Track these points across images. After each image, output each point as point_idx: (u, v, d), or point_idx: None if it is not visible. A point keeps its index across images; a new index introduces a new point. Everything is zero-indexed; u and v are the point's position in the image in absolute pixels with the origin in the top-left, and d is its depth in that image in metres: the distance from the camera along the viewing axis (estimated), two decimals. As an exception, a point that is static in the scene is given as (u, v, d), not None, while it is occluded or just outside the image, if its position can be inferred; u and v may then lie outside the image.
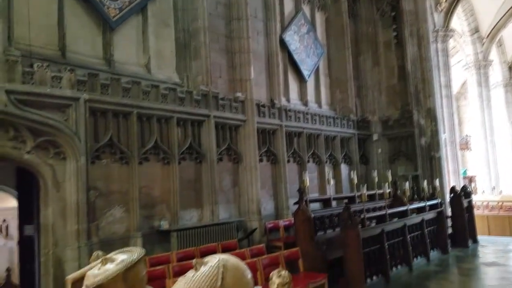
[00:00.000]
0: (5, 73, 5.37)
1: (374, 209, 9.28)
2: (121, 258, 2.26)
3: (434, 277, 7.44)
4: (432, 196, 9.92)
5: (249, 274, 2.03)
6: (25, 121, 5.53)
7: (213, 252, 6.68)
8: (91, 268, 2.30)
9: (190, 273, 1.95)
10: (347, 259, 6.70)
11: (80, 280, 2.26)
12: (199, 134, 7.95)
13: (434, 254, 8.79)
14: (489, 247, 9.82)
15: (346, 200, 10.20)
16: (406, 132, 12.21)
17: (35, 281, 6.04)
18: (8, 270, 7.24)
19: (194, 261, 2.02)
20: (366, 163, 12.55)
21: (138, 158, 6.84)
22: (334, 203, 9.37)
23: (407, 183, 9.01)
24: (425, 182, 9.73)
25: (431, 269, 8.00)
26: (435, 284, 6.93)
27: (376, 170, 10.20)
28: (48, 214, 5.93)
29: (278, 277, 1.92)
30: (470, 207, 10.67)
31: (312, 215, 7.43)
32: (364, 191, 7.61)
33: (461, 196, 10.17)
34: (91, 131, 6.30)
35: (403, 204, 9.34)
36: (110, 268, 2.15)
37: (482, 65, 19.91)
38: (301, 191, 7.52)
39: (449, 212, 10.34)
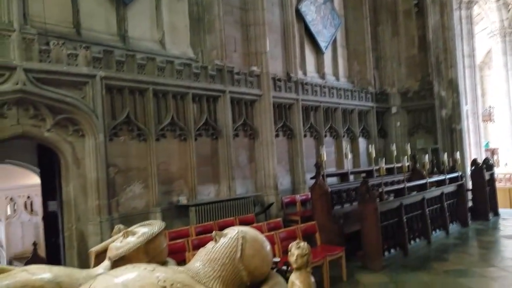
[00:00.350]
0: (23, 51, 5.40)
1: (392, 183, 9.21)
2: (142, 231, 2.30)
3: (453, 250, 7.37)
4: (452, 169, 9.74)
5: (268, 246, 2.04)
6: (44, 99, 5.60)
7: (230, 226, 6.76)
8: (113, 241, 2.35)
9: (210, 245, 1.98)
10: (365, 232, 6.69)
11: (103, 253, 2.33)
12: (215, 110, 7.93)
13: (453, 227, 8.71)
14: (510, 220, 9.64)
15: (363, 174, 10.12)
16: (426, 104, 11.92)
17: (61, 254, 6.27)
18: (35, 244, 7.53)
19: (213, 233, 2.05)
20: (384, 137, 12.36)
21: (155, 135, 6.88)
22: (351, 177, 9.30)
23: (426, 156, 8.85)
24: (445, 155, 9.53)
25: (450, 242, 7.93)
26: (454, 256, 6.87)
27: (394, 144, 10.02)
28: (69, 191, 6.08)
29: (297, 248, 1.94)
30: (492, 180, 10.46)
31: (329, 190, 7.41)
32: (383, 165, 7.50)
33: (483, 168, 9.96)
34: (108, 109, 6.35)
35: (422, 178, 9.22)
36: (132, 240, 2.20)
37: (507, 33, 19.06)
38: (318, 165, 7.47)
39: (469, 185, 10.16)
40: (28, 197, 10.28)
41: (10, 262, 9.69)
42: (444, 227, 8.49)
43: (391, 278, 5.88)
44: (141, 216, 6.58)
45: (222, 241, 1.93)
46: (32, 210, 10.33)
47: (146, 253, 2.13)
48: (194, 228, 6.42)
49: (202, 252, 1.93)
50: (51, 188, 6.54)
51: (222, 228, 6.66)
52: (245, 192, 8.32)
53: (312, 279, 1.92)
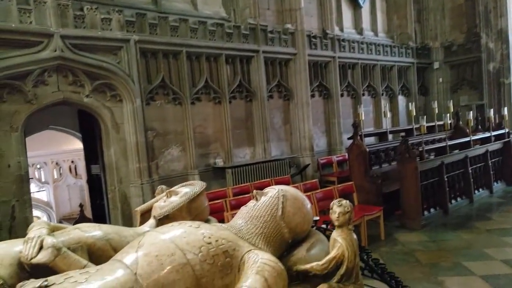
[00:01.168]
0: (58, 18, 5.45)
1: (433, 142, 8.91)
2: (184, 191, 2.36)
3: (497, 209, 7.14)
4: (499, 126, 9.26)
5: (308, 204, 2.02)
6: (81, 65, 5.69)
7: (266, 187, 6.82)
8: (157, 201, 2.42)
9: (251, 203, 1.98)
10: (404, 192, 6.58)
11: (148, 212, 2.42)
12: (248, 71, 7.81)
13: (497, 186, 8.42)
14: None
15: (402, 134, 9.83)
16: (471, 58, 11.23)
17: (106, 215, 6.58)
18: (81, 205, 7.94)
19: (254, 191, 2.04)
20: (425, 94, 11.84)
21: (190, 98, 6.90)
22: (390, 136, 9.05)
23: (470, 113, 8.41)
24: (492, 111, 9.03)
25: (493, 201, 7.69)
26: (498, 215, 6.66)
27: (436, 101, 9.57)
28: (111, 154, 6.28)
29: (338, 206, 1.90)
30: (543, 136, 9.87)
31: (367, 149, 7.26)
32: (424, 123, 7.21)
33: (533, 125, 9.40)
34: (144, 73, 6.38)
35: (465, 135, 8.86)
36: (175, 200, 2.26)
37: None
38: (356, 125, 7.28)
39: (517, 142, 9.64)
40: (72, 161, 10.78)
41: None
42: (488, 186, 8.22)
43: (431, 236, 5.80)
44: (180, 178, 6.76)
45: (263, 199, 1.93)
46: (76, 173, 10.85)
47: (189, 211, 2.19)
48: (231, 189, 6.53)
49: (243, 210, 1.94)
50: (93, 152, 6.79)
51: (258, 189, 6.81)
52: (280, 154, 8.30)
53: (354, 236, 1.89)
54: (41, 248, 1.65)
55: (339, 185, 6.40)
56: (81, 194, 10.46)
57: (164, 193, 2.47)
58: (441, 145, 7.74)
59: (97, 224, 2.10)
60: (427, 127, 9.87)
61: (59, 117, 7.17)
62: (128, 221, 6.31)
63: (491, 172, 8.26)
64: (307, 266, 1.81)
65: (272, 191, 1.97)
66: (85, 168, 7.63)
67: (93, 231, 1.99)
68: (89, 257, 1.86)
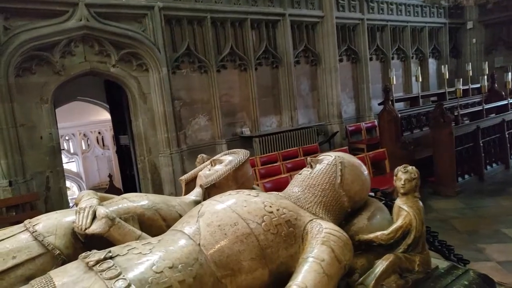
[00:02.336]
0: (80, -14, 5.33)
1: (467, 106, 8.58)
2: (228, 159, 2.28)
3: (534, 175, 6.92)
4: (537, 88, 8.80)
5: (365, 171, 1.91)
6: (107, 34, 5.60)
7: (294, 156, 6.74)
8: (200, 170, 2.36)
9: (305, 171, 1.87)
10: (438, 158, 6.40)
11: (192, 181, 2.34)
12: (274, 36, 7.56)
13: (535, 152, 8.07)
14: None
15: (433, 98, 9.49)
16: (508, 16, 10.57)
17: (136, 185, 6.65)
18: (110, 176, 8.05)
19: (309, 159, 1.92)
20: (456, 57, 11.32)
21: (216, 66, 6.76)
22: (421, 101, 8.74)
23: (509, 75, 7.98)
24: (532, 73, 8.55)
25: (529, 167, 7.43)
26: None
27: (470, 63, 9.12)
28: (139, 125, 6.27)
29: (404, 172, 1.78)
30: None
31: (399, 115, 7.03)
32: (459, 86, 6.90)
33: None
34: (169, 41, 6.25)
35: (502, 98, 8.49)
36: (220, 168, 2.17)
37: None
38: (387, 90, 7.01)
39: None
40: (99, 132, 10.89)
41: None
42: (525, 152, 7.91)
43: (467, 203, 5.65)
44: (208, 148, 6.74)
45: (319, 167, 1.81)
46: (103, 144, 11.00)
47: (235, 180, 2.11)
48: (259, 158, 6.47)
49: (298, 179, 1.84)
50: (121, 123, 6.80)
51: (286, 158, 6.75)
52: (308, 122, 8.14)
53: (420, 204, 1.77)
54: (94, 218, 1.61)
55: (370, 152, 6.25)
56: (109, 165, 10.63)
57: (208, 162, 2.41)
58: (477, 109, 7.43)
59: (144, 194, 2.06)
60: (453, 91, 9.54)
61: (86, 88, 7.18)
62: (158, 191, 6.37)
63: (529, 137, 7.95)
64: (371, 235, 1.71)
65: (329, 158, 1.86)
66: (113, 139, 7.68)
67: (140, 201, 1.93)
68: (140, 227, 1.83)
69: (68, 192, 6.58)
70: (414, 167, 1.79)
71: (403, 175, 1.76)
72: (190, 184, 2.35)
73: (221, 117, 6.88)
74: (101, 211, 1.61)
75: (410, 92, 9.82)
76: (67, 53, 5.45)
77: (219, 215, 1.49)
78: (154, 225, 1.87)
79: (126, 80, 6.03)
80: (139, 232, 1.65)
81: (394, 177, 1.81)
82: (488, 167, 7.07)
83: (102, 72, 5.85)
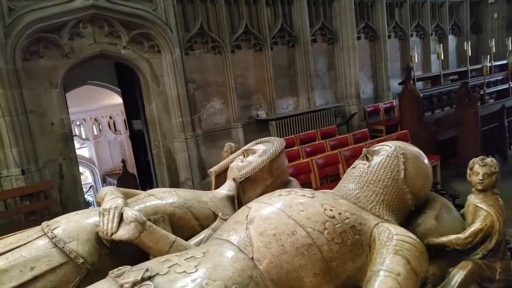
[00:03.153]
0: (87, -37, 5.03)
1: (489, 84, 8.23)
2: (262, 148, 2.04)
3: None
4: None
5: (426, 159, 1.66)
6: (116, 14, 5.32)
7: (312, 139, 6.51)
8: (231, 161, 2.13)
9: (361, 164, 1.59)
10: (462, 139, 6.15)
11: (223, 173, 2.14)
12: (290, 13, 7.20)
13: (559, 131, 7.76)
14: None
15: (452, 77, 9.12)
16: (532, -11, 10.06)
17: (151, 170, 6.48)
18: (123, 161, 7.89)
19: (364, 150, 1.65)
20: (477, 33, 10.85)
21: (230, 46, 6.46)
22: (442, 80, 8.39)
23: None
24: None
25: (552, 146, 7.15)
26: None
27: (493, 39, 8.70)
28: (152, 109, 6.05)
29: (482, 166, 1.53)
30: None
31: (421, 95, 6.73)
32: (486, 63, 6.57)
33: None
34: (181, 20, 5.96)
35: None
36: (255, 160, 1.96)
37: None
38: (409, 68, 6.68)
39: None
40: (110, 117, 10.70)
41: (103, 178, 10.52)
42: (548, 131, 7.61)
43: (495, 186, 5.39)
44: (224, 132, 6.53)
45: (378, 159, 1.57)
46: (115, 129, 10.82)
47: (270, 172, 1.90)
48: (277, 142, 6.24)
49: (353, 174, 1.60)
50: (133, 107, 6.58)
51: (303, 141, 6.51)
52: (325, 103, 7.85)
53: (501, 202, 1.53)
54: (120, 221, 1.41)
55: (392, 134, 6.01)
56: (121, 150, 10.47)
57: (238, 152, 2.18)
58: (503, 87, 7.11)
59: (172, 189, 1.86)
60: (477, 69, 9.17)
61: (97, 72, 6.93)
62: (174, 176, 6.20)
63: (553, 116, 7.64)
64: (444, 239, 1.48)
65: (387, 148, 1.61)
66: (126, 124, 7.49)
67: (169, 198, 1.74)
68: (171, 228, 1.62)
69: (81, 178, 6.43)
70: (493, 158, 1.54)
71: (481, 168, 1.51)
72: (220, 177, 2.13)
73: (236, 99, 6.63)
74: (129, 213, 1.39)
75: (429, 71, 9.44)
76: (76, 34, 5.19)
77: (273, 222, 1.25)
78: (186, 225, 1.68)
79: (138, 63, 5.78)
80: (173, 236, 1.43)
81: (469, 171, 1.56)
82: (512, 148, 6.85)
83: (113, 54, 5.59)
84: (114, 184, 8.51)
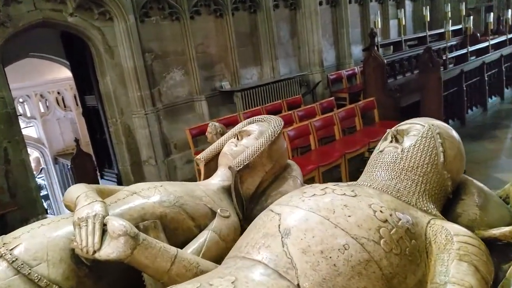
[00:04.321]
0: None
1: (445, 49, 8.39)
2: (257, 129, 1.76)
3: (509, 115, 7.03)
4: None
5: (459, 137, 1.47)
6: (59, -24, 4.72)
7: (278, 110, 6.33)
8: (221, 145, 1.85)
9: (391, 148, 1.32)
10: (425, 104, 6.25)
11: (213, 159, 1.83)
12: (250, -23, 6.82)
13: (508, 92, 8.19)
14: None
15: (411, 43, 9.21)
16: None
17: (109, 150, 6.04)
18: (77, 140, 7.31)
19: (392, 130, 1.37)
20: (431, -2, 10.98)
21: (189, 12, 6.01)
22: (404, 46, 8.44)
23: (491, 15, 7.78)
24: (510, 12, 8.40)
25: (504, 108, 7.53)
26: (508, 121, 6.60)
27: (449, 4, 8.80)
28: (107, 83, 5.55)
29: None
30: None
31: (385, 61, 6.71)
32: (449, 28, 6.61)
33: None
34: (134, -17, 5.42)
35: (478, 40, 8.37)
36: (252, 143, 1.67)
37: None
38: (373, 34, 6.61)
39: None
40: (59, 92, 9.84)
41: (55, 159, 9.78)
42: (500, 93, 8.00)
43: (454, 149, 5.58)
44: (186, 105, 6.19)
45: (411, 141, 1.32)
46: (65, 105, 10.00)
47: (270, 156, 1.64)
48: (243, 114, 6.02)
49: (384, 159, 1.32)
50: (86, 81, 6.02)
51: (270, 112, 6.30)
52: (289, 72, 7.65)
53: None
54: (103, 232, 1.11)
55: (361, 102, 5.97)
56: (73, 128, 9.72)
57: (229, 133, 1.89)
58: (462, 52, 7.25)
59: (157, 184, 1.51)
60: (435, 34, 9.32)
61: (40, 43, 6.22)
62: (135, 155, 5.82)
63: (503, 78, 7.97)
64: (496, 232, 1.22)
65: (419, 128, 1.36)
66: (79, 100, 6.89)
67: (157, 195, 1.41)
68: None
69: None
70: None
71: None
72: (210, 165, 1.82)
73: (198, 70, 6.25)
74: (116, 225, 1.08)
75: (388, 37, 9.46)
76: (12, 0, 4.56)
77: (317, 234, 0.98)
78: (180, 228, 1.38)
79: (88, 32, 5.22)
80: (173, 249, 1.15)
81: None
82: (469, 110, 7.07)
83: (58, 22, 4.99)
84: (68, 166, 7.94)
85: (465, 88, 6.79)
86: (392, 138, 1.35)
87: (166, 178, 5.88)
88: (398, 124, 1.44)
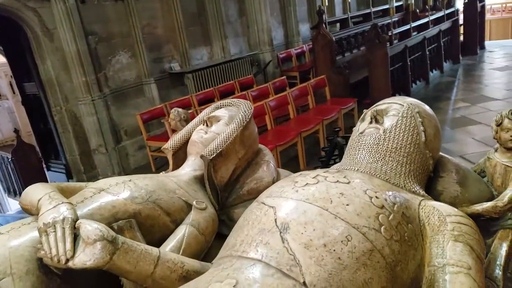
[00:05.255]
0: None
1: (389, 26, 8.69)
2: (227, 114, 1.70)
3: (449, 87, 7.41)
4: (448, 5, 9.22)
5: (434, 114, 1.50)
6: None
7: (231, 91, 6.29)
8: (189, 132, 1.78)
9: (371, 129, 1.31)
10: (373, 80, 6.45)
11: (181, 148, 1.74)
12: (194, -47, 6.59)
13: (446, 66, 8.64)
14: (498, 52, 9.66)
15: (356, 20, 9.41)
16: None
17: (55, 139, 5.71)
18: (17, 131, 6.83)
19: (372, 111, 1.36)
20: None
21: (132, -9, 5.73)
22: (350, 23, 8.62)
23: (430, -8, 8.14)
24: (445, -12, 8.83)
25: (444, 80, 7.90)
26: (449, 93, 7.02)
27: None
28: (47, 68, 5.20)
29: None
30: (482, 12, 10.04)
31: (334, 38, 6.82)
32: (393, 5, 6.82)
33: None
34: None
35: (417, 16, 8.76)
36: (223, 129, 1.61)
37: None
38: (321, 12, 6.67)
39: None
40: (-9, 80, 9.08)
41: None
42: (439, 66, 8.41)
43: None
44: (135, 89, 5.98)
45: (392, 122, 1.31)
46: (0, 94, 9.24)
47: (242, 142, 1.59)
48: (195, 96, 5.92)
49: (366, 141, 1.30)
50: (23, 67, 5.59)
51: (223, 94, 6.24)
52: (239, 52, 7.57)
53: None
54: (75, 238, 1.02)
55: (312, 81, 6.08)
56: (11, 117, 9.02)
57: (196, 120, 1.82)
58: (405, 28, 7.54)
59: (125, 178, 1.41)
60: (376, 11, 9.59)
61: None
62: (84, 144, 5.56)
63: (442, 52, 8.39)
64: (478, 208, 1.30)
65: (398, 107, 1.35)
66: (17, 87, 6.40)
67: (127, 191, 1.31)
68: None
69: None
70: None
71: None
72: (178, 153, 1.73)
73: (146, 52, 6.02)
74: (89, 229, 0.99)
75: (333, 14, 9.60)
76: None
77: (317, 226, 0.94)
78: (156, 225, 1.31)
79: (21, 13, 4.82)
80: (155, 250, 1.08)
81: (495, 127, 1.38)
82: (413, 84, 7.40)
83: (-14, 4, 4.57)
84: (8, 159, 7.43)
85: (409, 63, 7.07)
86: (371, 118, 1.34)
87: (118, 166, 5.68)
88: (376, 104, 1.43)
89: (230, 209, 1.58)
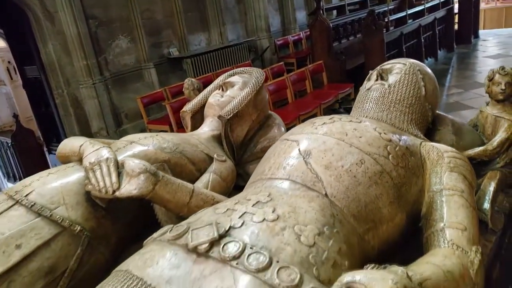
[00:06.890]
0: None
1: (385, 13, 8.78)
2: (241, 80, 1.86)
3: (443, 75, 7.46)
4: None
5: (433, 73, 1.66)
6: None
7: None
8: (205, 97, 1.93)
9: (377, 85, 1.46)
10: (369, 66, 6.46)
11: (198, 112, 1.93)
12: None
13: (441, 54, 8.76)
14: (491, 41, 9.79)
15: (352, 7, 9.50)
16: None
17: (57, 123, 5.78)
18: (16, 116, 6.85)
19: (377, 69, 1.53)
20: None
21: (132, -25, 5.78)
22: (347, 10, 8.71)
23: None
24: (441, -25, 8.91)
25: (439, 68, 7.98)
26: (443, 80, 7.03)
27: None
28: (49, 52, 5.26)
29: (504, 75, 1.55)
30: (477, 1, 10.15)
31: (331, 25, 6.91)
32: (389, -8, 6.90)
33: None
34: None
35: (413, 4, 8.86)
36: (238, 93, 1.77)
37: None
38: (318, -1, 6.74)
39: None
40: (-11, 64, 9.05)
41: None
42: (434, 54, 8.52)
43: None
44: (135, 74, 6.06)
45: (395, 78, 1.48)
46: (-1, 79, 9.23)
47: (255, 105, 1.76)
48: (194, 80, 5.99)
49: (372, 96, 1.48)
50: (25, 51, 5.62)
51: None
52: (237, 38, 7.65)
53: None
54: (119, 174, 1.17)
55: (310, 66, 6.18)
56: (9, 103, 9.03)
57: (212, 86, 1.97)
58: (401, 15, 7.64)
59: (153, 134, 1.60)
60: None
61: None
62: (85, 127, 5.64)
63: (437, 40, 8.51)
64: (470, 152, 1.51)
65: (401, 66, 1.53)
66: (18, 71, 6.44)
67: (156, 143, 1.49)
68: None
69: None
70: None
71: (502, 78, 1.52)
72: (196, 116, 1.92)
73: (145, 37, 6.08)
74: (132, 164, 1.14)
75: (330, 1, 9.66)
76: None
77: (336, 152, 1.12)
78: (184, 172, 1.47)
79: (23, -4, 4.88)
80: (190, 185, 1.24)
81: (487, 82, 1.57)
82: (408, 71, 7.53)
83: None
84: (8, 144, 7.46)
85: (404, 50, 7.19)
86: (377, 76, 1.51)
87: (120, 149, 5.76)
88: (381, 64, 1.61)
89: (245, 164, 1.78)
